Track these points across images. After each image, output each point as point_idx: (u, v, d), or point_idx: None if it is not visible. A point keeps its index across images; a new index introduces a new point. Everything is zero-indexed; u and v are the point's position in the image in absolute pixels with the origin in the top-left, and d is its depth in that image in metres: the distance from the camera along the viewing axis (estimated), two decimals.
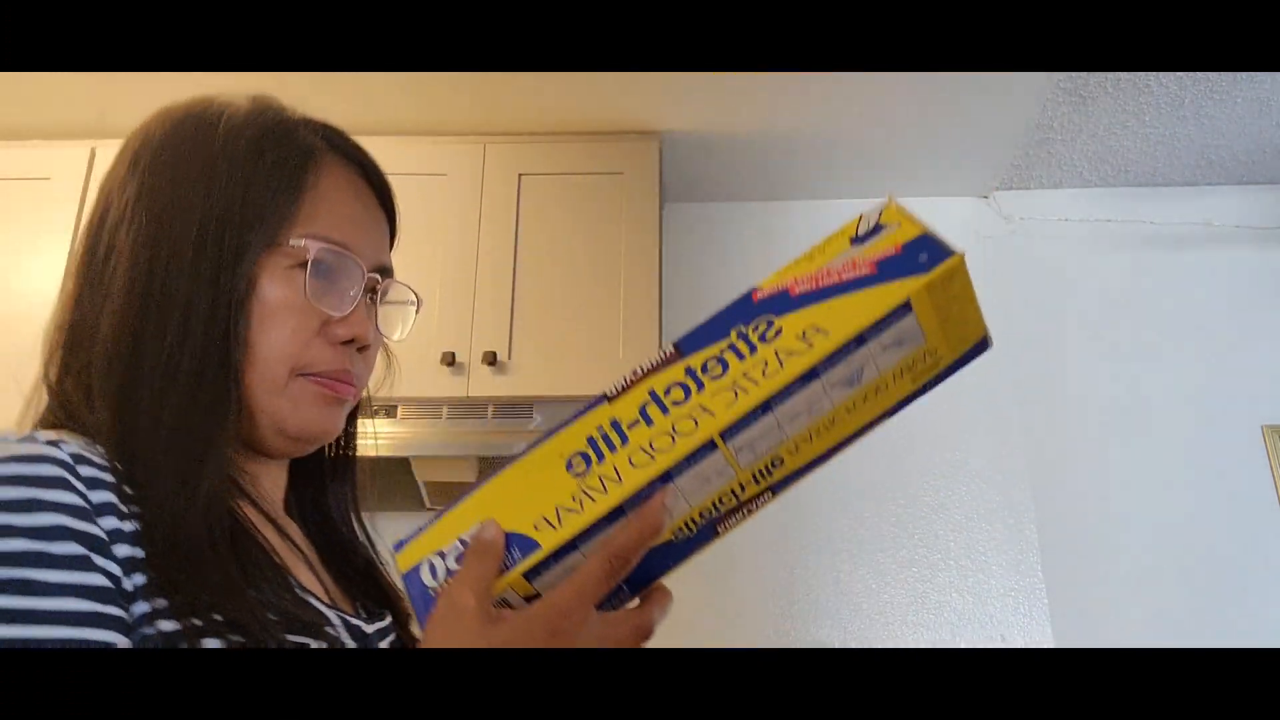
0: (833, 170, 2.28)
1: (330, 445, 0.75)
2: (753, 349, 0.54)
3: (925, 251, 0.52)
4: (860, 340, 0.51)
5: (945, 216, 2.37)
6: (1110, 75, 1.99)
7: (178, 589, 0.54)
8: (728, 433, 0.52)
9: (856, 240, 0.55)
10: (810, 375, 0.52)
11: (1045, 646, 2.01)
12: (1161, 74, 1.98)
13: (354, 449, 0.78)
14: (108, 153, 2.35)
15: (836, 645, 2.01)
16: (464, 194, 2.00)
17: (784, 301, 0.55)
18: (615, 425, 0.54)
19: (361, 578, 0.73)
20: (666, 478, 0.52)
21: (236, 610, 0.55)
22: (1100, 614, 2.04)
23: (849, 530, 2.10)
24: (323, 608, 0.63)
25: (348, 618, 0.66)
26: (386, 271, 0.71)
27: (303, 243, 0.64)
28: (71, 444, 0.55)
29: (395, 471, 1.94)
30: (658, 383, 0.55)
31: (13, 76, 1.94)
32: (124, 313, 0.62)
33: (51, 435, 0.56)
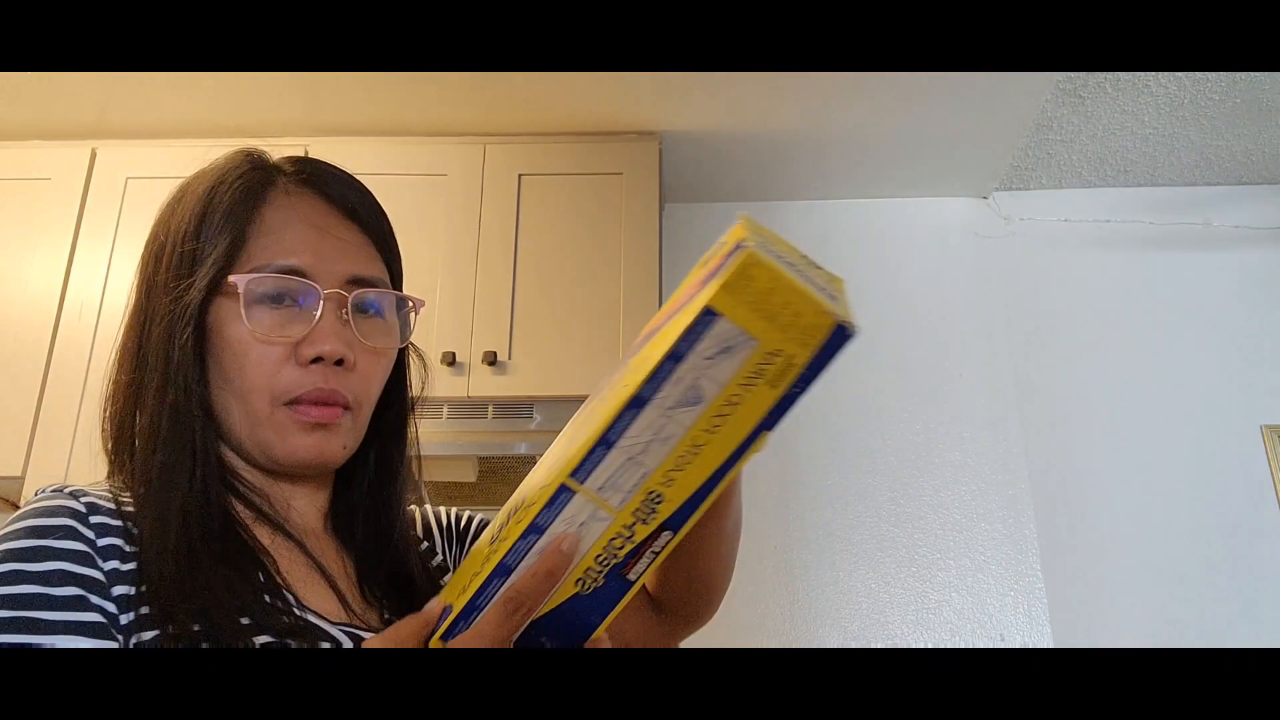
0: (833, 170, 2.28)
1: (373, 452, 0.76)
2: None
3: (733, 255, 0.50)
4: (675, 357, 0.50)
5: (945, 217, 2.38)
6: (1110, 75, 1.99)
7: (160, 605, 0.58)
8: (576, 473, 0.52)
9: (705, 265, 0.54)
10: (637, 402, 0.51)
11: (1044, 646, 2.01)
12: (1161, 74, 1.98)
13: (396, 454, 0.78)
14: (108, 152, 2.35)
15: (836, 645, 2.01)
16: (464, 194, 2.00)
17: (642, 341, 0.55)
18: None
19: (393, 589, 0.73)
20: (535, 529, 0.53)
21: (214, 623, 0.58)
22: (1100, 614, 2.04)
23: (849, 530, 2.10)
24: (327, 625, 0.64)
25: (363, 633, 0.66)
26: (362, 282, 0.71)
27: (235, 280, 0.67)
28: (90, 495, 0.62)
29: None
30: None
31: (13, 76, 1.94)
32: (127, 367, 0.70)
33: (76, 487, 0.63)
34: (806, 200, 2.40)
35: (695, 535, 0.60)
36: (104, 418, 0.71)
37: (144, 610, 0.58)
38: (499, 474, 1.96)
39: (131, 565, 0.60)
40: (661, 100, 2.02)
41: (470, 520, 0.86)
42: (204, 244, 0.68)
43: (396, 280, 0.77)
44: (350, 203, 0.73)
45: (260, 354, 0.67)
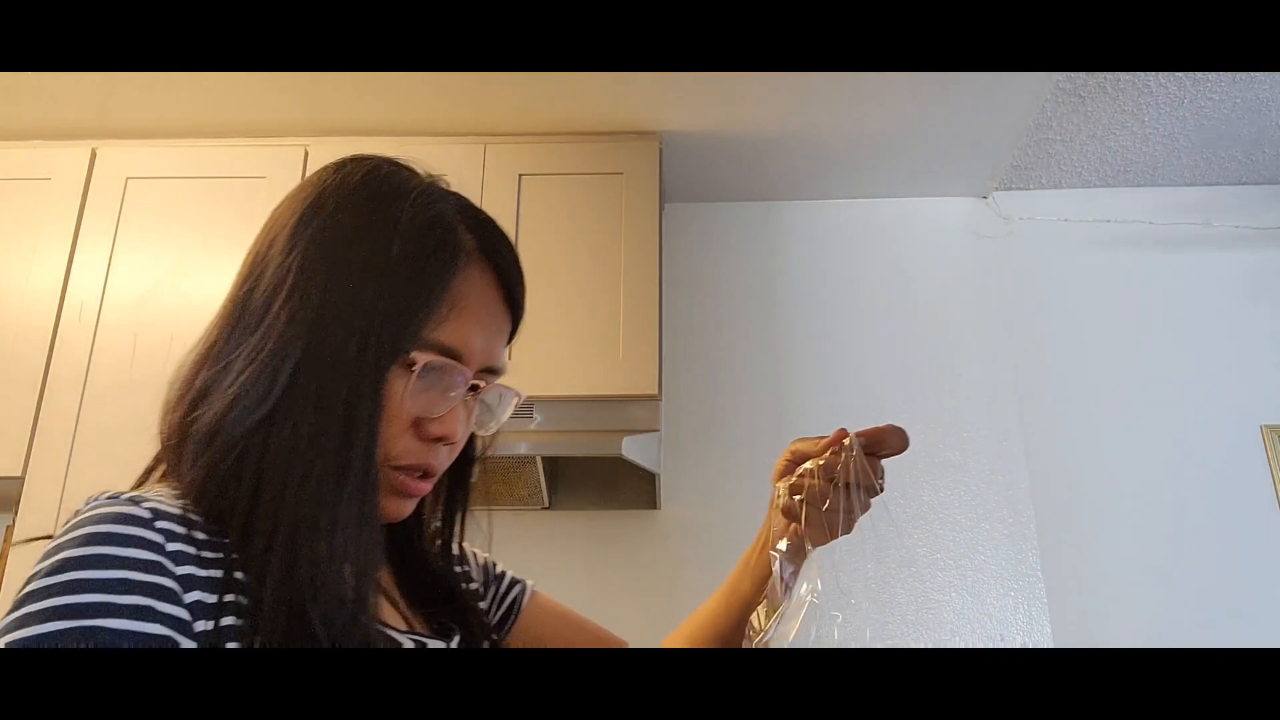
0: (833, 170, 2.28)
1: None
2: None
3: None
4: None
5: (944, 217, 2.38)
6: (1110, 75, 1.99)
7: (260, 638, 0.57)
8: None
9: None
10: None
11: (1044, 646, 2.01)
12: (1161, 74, 1.98)
13: (462, 481, 0.80)
14: (108, 152, 2.34)
15: (836, 645, 2.01)
16: (464, 194, 1.99)
17: None
18: None
19: (438, 596, 0.76)
20: None
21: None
22: (1100, 614, 2.04)
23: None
24: (397, 635, 0.68)
25: (424, 639, 0.70)
26: (495, 371, 0.72)
27: (415, 353, 0.65)
28: (151, 500, 0.59)
29: None
30: None
31: (13, 76, 1.94)
32: (265, 381, 0.63)
33: (136, 494, 0.60)
34: (806, 200, 2.40)
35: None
36: (195, 428, 0.64)
37: (226, 621, 0.57)
38: (499, 474, 1.96)
39: (212, 572, 0.58)
40: (661, 100, 2.02)
41: (502, 569, 0.89)
42: (412, 296, 0.65)
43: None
44: (516, 294, 0.73)
45: (393, 417, 0.65)
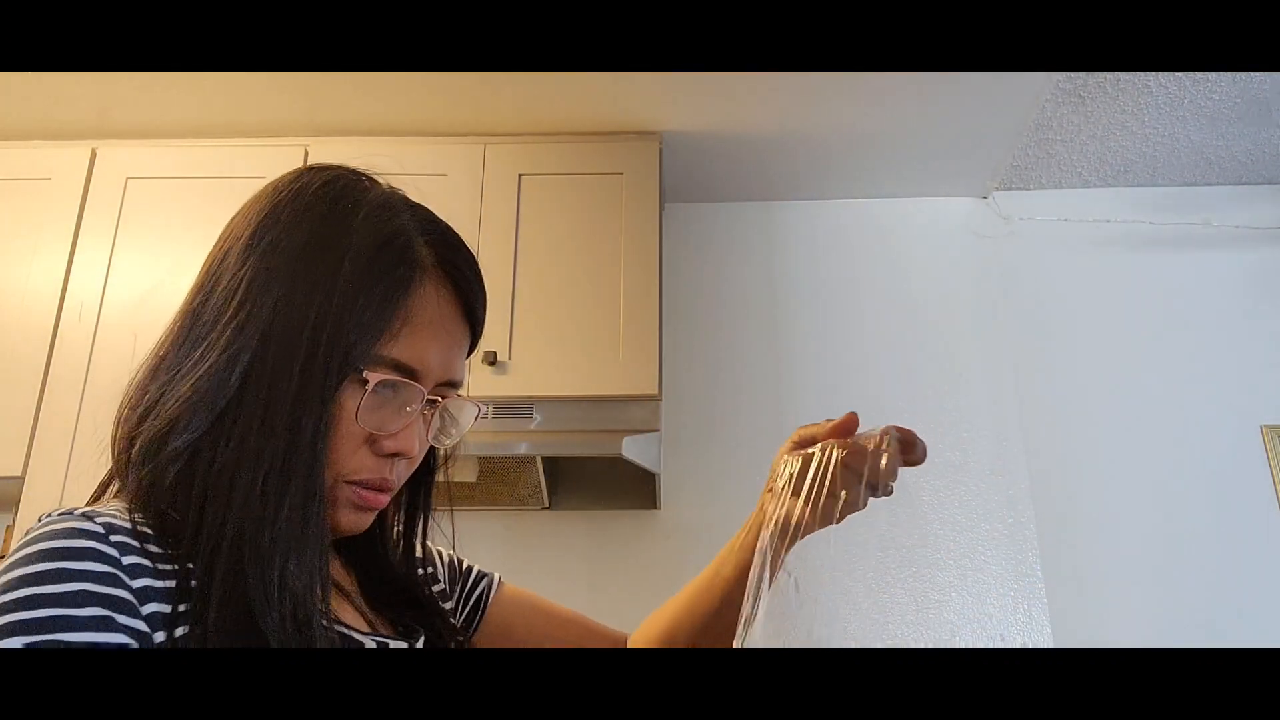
0: (833, 170, 2.28)
1: None
2: None
3: None
4: None
5: (944, 217, 2.37)
6: (1110, 75, 1.99)
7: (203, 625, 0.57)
8: None
9: None
10: None
11: (1044, 646, 2.01)
12: (1161, 74, 1.98)
13: (423, 489, 0.80)
14: (108, 152, 2.34)
15: (836, 645, 2.01)
16: (464, 194, 2.00)
17: None
18: None
19: (402, 599, 0.76)
20: None
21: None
22: (1100, 614, 2.04)
23: (848, 530, 2.10)
24: (360, 637, 0.68)
25: (389, 640, 0.70)
26: (454, 384, 0.71)
27: (367, 371, 0.64)
28: (104, 515, 0.59)
29: None
30: None
31: (13, 76, 1.94)
32: (210, 394, 0.63)
33: (88, 510, 0.60)
34: (806, 200, 2.39)
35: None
36: (144, 441, 0.63)
37: (179, 632, 0.57)
38: (499, 474, 1.96)
39: (167, 583, 0.58)
40: (661, 100, 2.02)
41: (469, 565, 0.89)
42: (364, 312, 0.64)
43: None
44: (475, 308, 0.72)
45: (349, 432, 0.65)
